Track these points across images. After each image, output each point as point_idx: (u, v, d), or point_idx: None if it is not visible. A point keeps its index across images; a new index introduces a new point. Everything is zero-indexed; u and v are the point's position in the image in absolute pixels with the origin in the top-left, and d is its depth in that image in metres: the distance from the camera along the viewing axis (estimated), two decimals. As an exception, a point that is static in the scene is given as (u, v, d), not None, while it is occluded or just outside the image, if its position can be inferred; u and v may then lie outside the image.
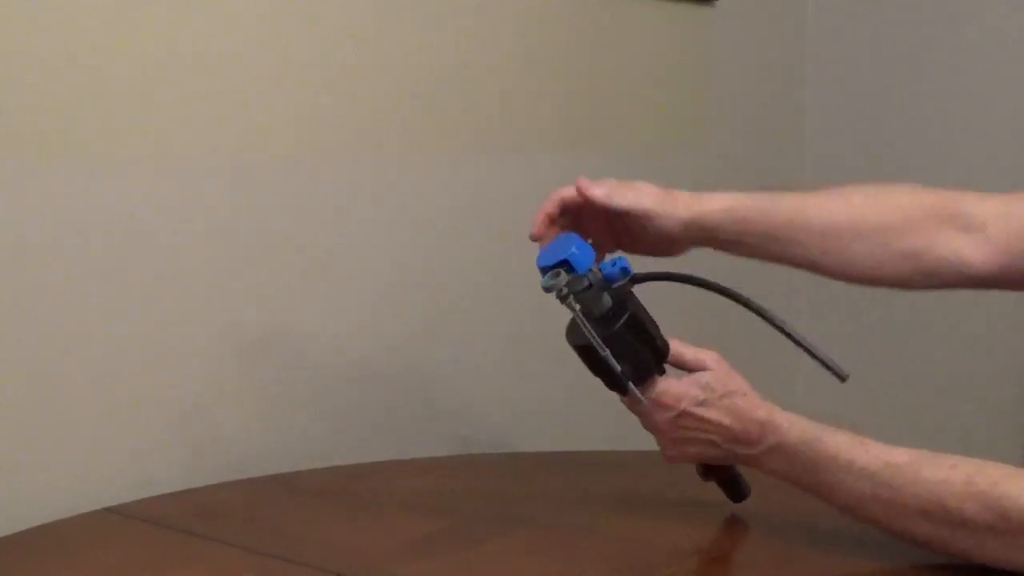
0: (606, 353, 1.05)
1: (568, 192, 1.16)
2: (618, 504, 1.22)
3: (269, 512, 1.22)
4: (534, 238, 1.15)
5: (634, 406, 1.10)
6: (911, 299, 2.17)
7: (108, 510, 1.21)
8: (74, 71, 1.26)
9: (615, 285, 1.07)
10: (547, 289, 1.07)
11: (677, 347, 1.10)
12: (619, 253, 1.12)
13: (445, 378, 1.66)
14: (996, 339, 2.12)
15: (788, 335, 1.03)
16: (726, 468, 1.16)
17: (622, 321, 1.06)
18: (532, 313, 1.76)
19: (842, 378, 1.02)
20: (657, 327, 1.10)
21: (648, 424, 1.11)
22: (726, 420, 1.07)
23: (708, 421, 1.08)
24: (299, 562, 1.07)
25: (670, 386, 1.09)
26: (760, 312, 1.04)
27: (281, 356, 1.48)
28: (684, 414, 1.08)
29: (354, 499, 1.27)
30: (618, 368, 1.06)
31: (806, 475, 1.04)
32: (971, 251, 1.14)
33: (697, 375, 1.09)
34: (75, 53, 1.26)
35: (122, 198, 1.32)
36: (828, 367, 1.02)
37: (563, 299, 1.06)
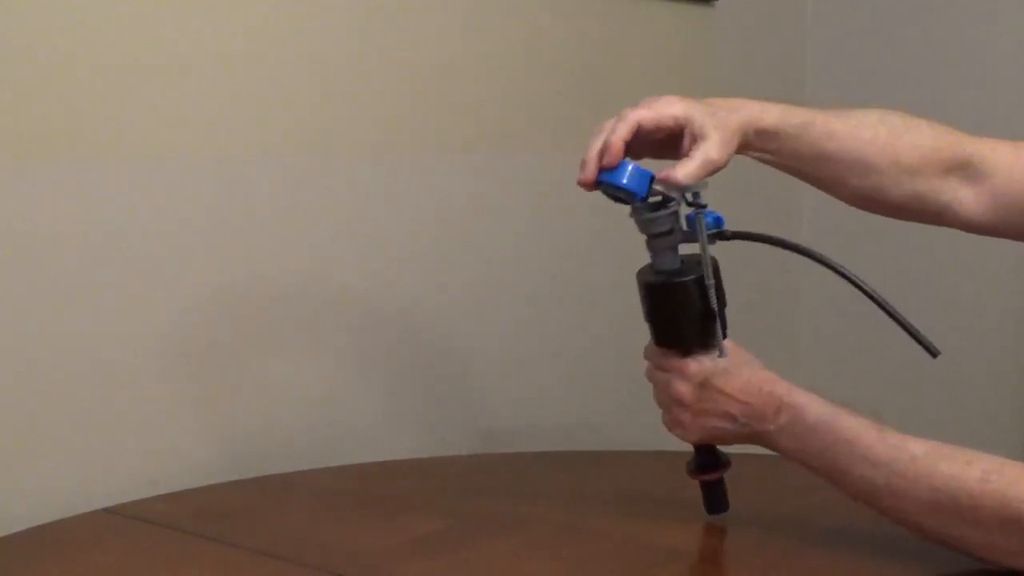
0: (711, 283, 1.04)
1: (642, 116, 1.07)
2: (618, 504, 1.22)
3: (269, 512, 1.22)
4: (610, 167, 1.06)
5: (655, 371, 1.10)
6: (911, 298, 2.18)
7: (108, 510, 1.21)
8: (73, 71, 1.26)
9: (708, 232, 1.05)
10: (682, 195, 1.03)
11: None
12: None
13: (444, 378, 1.66)
14: (996, 339, 2.12)
15: (883, 307, 1.02)
16: (717, 471, 1.14)
17: (712, 266, 1.05)
18: (532, 314, 1.76)
19: (934, 354, 1.02)
20: (726, 306, 1.09)
21: (665, 398, 1.10)
22: (745, 393, 1.06)
23: (728, 394, 1.06)
24: (299, 562, 1.07)
25: (690, 358, 1.08)
26: (856, 283, 1.03)
27: (280, 356, 1.48)
28: (706, 384, 1.07)
29: (354, 499, 1.27)
30: (715, 306, 1.04)
31: (819, 457, 1.03)
32: (973, 201, 1.17)
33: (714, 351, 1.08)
34: (74, 53, 1.26)
35: (123, 197, 1.32)
36: (921, 343, 1.02)
37: (699, 209, 1.03)
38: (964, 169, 1.17)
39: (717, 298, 1.06)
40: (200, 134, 1.38)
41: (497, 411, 1.72)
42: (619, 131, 1.06)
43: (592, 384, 1.77)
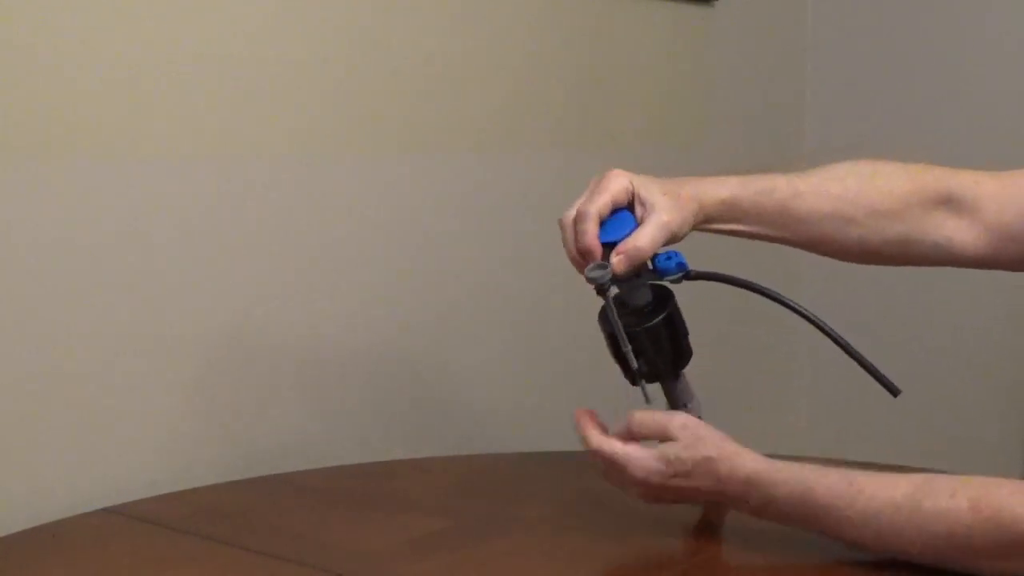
0: (627, 349, 1.05)
1: (601, 206, 1.07)
2: (617, 504, 1.22)
3: (269, 512, 1.22)
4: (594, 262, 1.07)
5: (607, 471, 1.08)
6: (911, 300, 2.18)
7: (108, 510, 1.21)
8: (74, 71, 1.26)
9: (667, 279, 1.06)
10: (591, 280, 1.05)
11: (640, 416, 1.06)
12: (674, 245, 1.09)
13: (445, 378, 1.67)
14: (996, 340, 2.12)
15: (844, 348, 1.03)
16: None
17: (659, 319, 1.06)
18: (532, 313, 1.76)
19: (894, 393, 1.01)
20: (687, 332, 1.09)
21: (617, 481, 1.07)
22: (705, 485, 1.03)
23: (685, 490, 1.04)
24: (299, 562, 1.07)
25: (638, 458, 1.04)
26: (816, 324, 1.04)
27: (281, 356, 1.48)
28: (657, 487, 1.04)
29: (354, 499, 1.27)
30: (635, 364, 1.05)
31: (804, 524, 1.02)
32: (963, 236, 1.14)
33: (663, 448, 1.04)
34: (75, 53, 1.26)
35: (122, 198, 1.32)
36: (881, 382, 1.01)
37: (601, 292, 1.05)
38: (948, 204, 1.14)
39: (676, 330, 1.07)
40: (200, 135, 1.38)
41: (496, 411, 1.72)
42: (589, 231, 1.06)
43: (592, 384, 1.77)
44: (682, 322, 1.09)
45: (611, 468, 1.06)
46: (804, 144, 2.25)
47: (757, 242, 1.18)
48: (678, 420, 1.05)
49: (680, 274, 1.07)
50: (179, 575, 1.06)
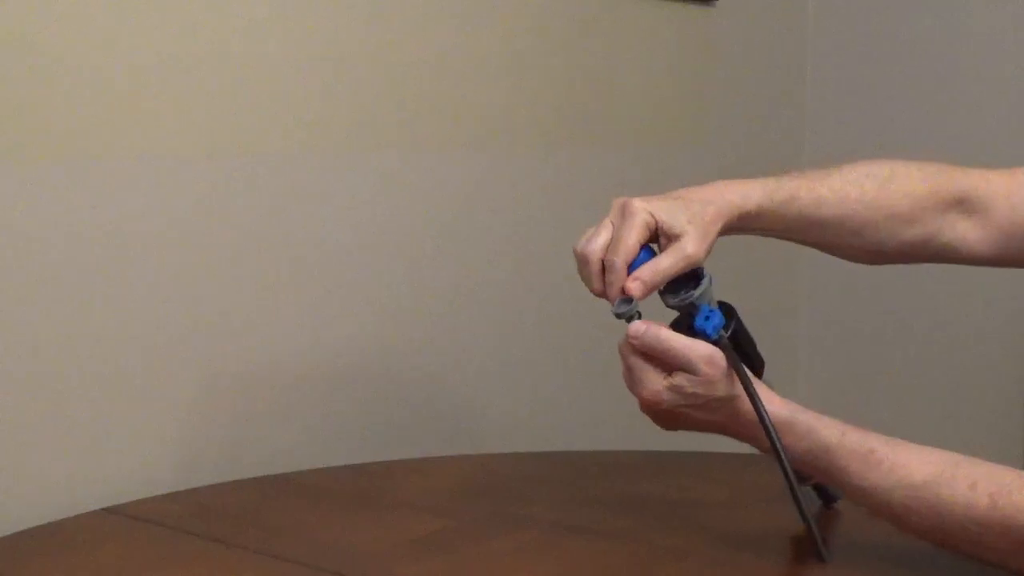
0: None
1: (628, 254, 1.04)
2: (618, 504, 1.22)
3: (269, 512, 1.22)
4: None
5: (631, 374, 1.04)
6: (911, 298, 2.18)
7: (108, 510, 1.21)
8: (72, 71, 1.26)
9: (710, 339, 1.02)
10: (619, 316, 1.03)
11: (666, 340, 1.01)
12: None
13: (445, 378, 1.67)
14: (996, 339, 2.12)
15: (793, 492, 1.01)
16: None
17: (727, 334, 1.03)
18: (533, 313, 1.76)
19: (824, 559, 1.01)
20: (755, 343, 1.07)
21: (630, 388, 1.04)
22: (719, 419, 1.02)
23: (696, 419, 1.02)
24: (299, 562, 1.07)
25: (652, 384, 1.01)
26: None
27: (281, 355, 1.48)
28: (665, 411, 1.02)
29: (354, 499, 1.27)
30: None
31: (816, 476, 1.03)
32: (975, 236, 1.15)
33: (679, 379, 1.00)
34: (74, 53, 1.26)
35: (122, 198, 1.32)
36: (817, 544, 1.01)
37: (629, 321, 1.03)
38: (961, 205, 1.15)
39: (744, 340, 1.05)
40: (198, 135, 1.38)
41: (496, 411, 1.72)
42: (615, 284, 1.03)
43: (591, 384, 1.77)
44: (747, 333, 1.07)
45: (627, 374, 1.03)
46: (804, 144, 2.25)
47: (763, 242, 1.17)
48: (703, 353, 1.01)
49: (723, 333, 1.03)
50: (179, 575, 1.06)
